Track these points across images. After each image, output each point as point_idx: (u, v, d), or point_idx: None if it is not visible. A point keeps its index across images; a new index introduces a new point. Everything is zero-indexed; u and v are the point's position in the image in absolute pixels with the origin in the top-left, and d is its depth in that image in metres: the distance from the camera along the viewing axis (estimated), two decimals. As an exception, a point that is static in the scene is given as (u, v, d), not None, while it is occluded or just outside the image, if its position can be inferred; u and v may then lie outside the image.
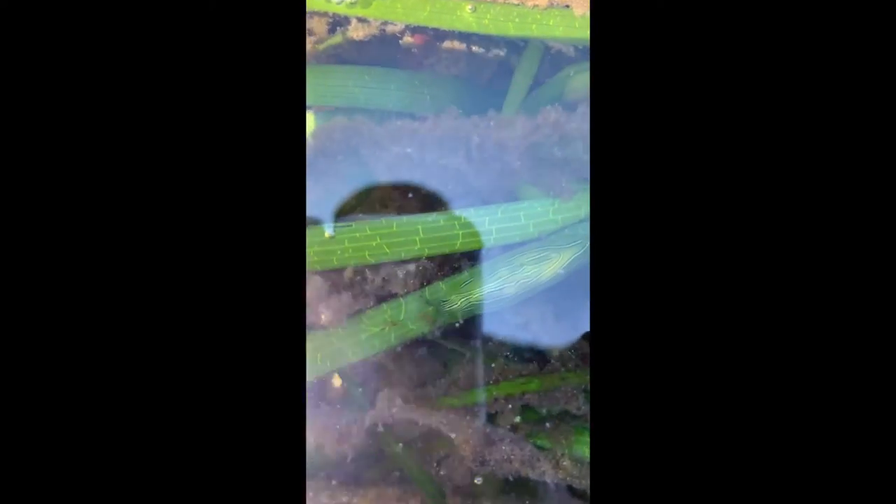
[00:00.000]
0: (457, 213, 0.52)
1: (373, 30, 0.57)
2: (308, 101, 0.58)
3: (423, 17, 0.56)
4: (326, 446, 0.53)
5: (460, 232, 0.52)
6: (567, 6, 0.53)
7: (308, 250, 0.52)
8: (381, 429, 0.53)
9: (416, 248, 0.52)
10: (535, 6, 0.54)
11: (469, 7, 0.55)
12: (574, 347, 0.52)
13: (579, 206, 0.50)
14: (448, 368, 0.55)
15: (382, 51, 0.59)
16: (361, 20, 0.57)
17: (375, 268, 0.53)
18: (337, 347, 0.53)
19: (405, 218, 0.52)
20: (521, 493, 0.54)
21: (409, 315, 0.52)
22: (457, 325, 0.52)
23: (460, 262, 0.52)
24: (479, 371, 0.53)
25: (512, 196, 0.54)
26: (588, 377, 0.52)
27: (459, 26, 0.56)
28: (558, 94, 0.56)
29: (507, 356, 0.53)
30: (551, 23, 0.54)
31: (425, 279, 0.52)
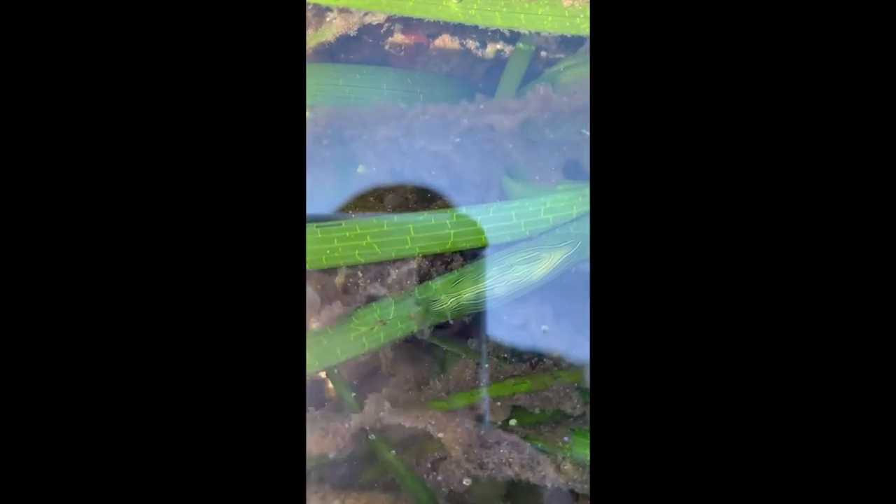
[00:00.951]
0: (448, 211, 0.51)
1: (358, 23, 0.55)
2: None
3: (409, 8, 0.54)
4: (315, 448, 0.53)
5: (452, 231, 0.51)
6: (555, -4, 0.52)
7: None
8: (372, 436, 0.53)
9: (407, 247, 0.51)
10: (523, -4, 0.53)
11: (455, -3, 0.53)
12: (568, 346, 0.52)
13: (571, 205, 0.50)
14: (440, 369, 0.55)
15: (373, 49, 0.57)
16: (343, 10, 0.55)
17: (366, 266, 0.52)
18: (326, 347, 0.52)
19: (396, 217, 0.51)
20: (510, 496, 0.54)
21: (398, 314, 0.52)
22: (448, 323, 0.52)
23: (451, 261, 0.52)
24: (472, 372, 0.53)
25: (500, 185, 0.53)
26: (580, 375, 0.52)
27: (445, 17, 0.54)
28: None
29: (502, 357, 0.53)
30: (539, 12, 0.53)
31: (416, 279, 0.52)
